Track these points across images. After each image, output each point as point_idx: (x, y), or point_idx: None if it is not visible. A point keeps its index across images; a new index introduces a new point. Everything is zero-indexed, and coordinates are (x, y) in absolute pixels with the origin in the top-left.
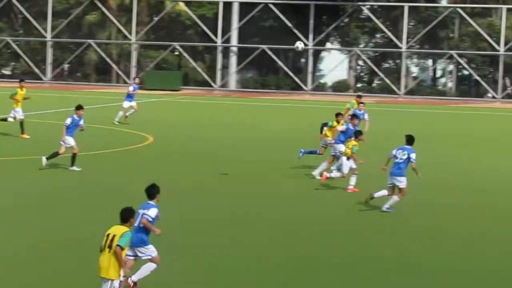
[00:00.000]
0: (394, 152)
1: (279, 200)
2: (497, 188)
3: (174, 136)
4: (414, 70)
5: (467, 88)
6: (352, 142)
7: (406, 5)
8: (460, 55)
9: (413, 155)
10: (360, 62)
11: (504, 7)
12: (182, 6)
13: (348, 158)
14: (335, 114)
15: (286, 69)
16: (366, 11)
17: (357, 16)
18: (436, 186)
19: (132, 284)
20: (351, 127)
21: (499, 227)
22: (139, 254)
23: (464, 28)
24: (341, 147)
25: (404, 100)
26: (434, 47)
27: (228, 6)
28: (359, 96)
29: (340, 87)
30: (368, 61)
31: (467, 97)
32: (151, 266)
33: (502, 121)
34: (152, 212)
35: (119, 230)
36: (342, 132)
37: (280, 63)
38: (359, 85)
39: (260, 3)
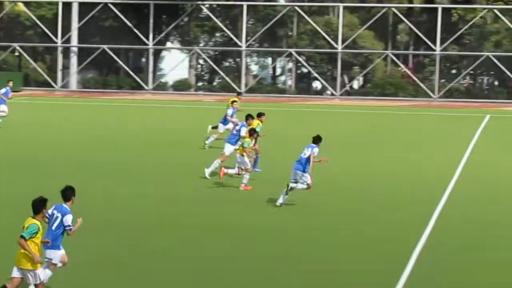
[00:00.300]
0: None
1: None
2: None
3: (14, 138)
4: (254, 68)
5: (306, 85)
6: (246, 140)
7: (245, 4)
8: (299, 53)
9: (315, 150)
10: (201, 61)
11: (341, 5)
12: (21, 6)
13: (242, 155)
14: (256, 115)
15: (127, 68)
16: (205, 10)
17: (197, 15)
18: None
19: None
20: (246, 126)
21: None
22: (46, 255)
23: (302, 26)
24: (226, 147)
25: (245, 98)
26: (273, 45)
27: (67, 6)
28: (239, 94)
29: (181, 86)
30: (209, 60)
31: (306, 95)
32: (47, 273)
33: (340, 118)
34: (69, 220)
35: (28, 222)
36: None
37: (120, 62)
38: (200, 84)
39: (99, 3)
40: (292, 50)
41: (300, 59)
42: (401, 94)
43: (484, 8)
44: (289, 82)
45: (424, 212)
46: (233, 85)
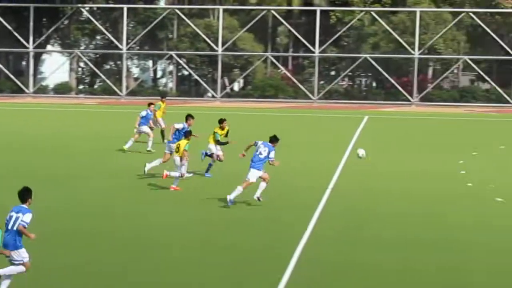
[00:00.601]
0: (259, 142)
1: None
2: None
3: None
4: (135, 71)
5: (187, 88)
6: (184, 141)
7: (125, 7)
8: (179, 56)
9: (271, 154)
10: (81, 64)
11: (221, 7)
12: None
13: (181, 158)
14: (218, 120)
15: (7, 72)
16: (85, 13)
17: (77, 18)
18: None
19: None
20: (186, 126)
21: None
22: (13, 259)
23: (182, 29)
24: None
25: (126, 101)
26: (154, 48)
27: None
28: (163, 96)
29: (62, 89)
30: (89, 63)
31: (187, 97)
32: (19, 269)
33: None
34: (27, 217)
35: None
36: (178, 130)
37: (0, 66)
38: (81, 86)
39: None
40: (172, 53)
41: (180, 61)
42: (281, 96)
43: (362, 11)
44: (170, 85)
45: (301, 219)
46: (114, 88)
